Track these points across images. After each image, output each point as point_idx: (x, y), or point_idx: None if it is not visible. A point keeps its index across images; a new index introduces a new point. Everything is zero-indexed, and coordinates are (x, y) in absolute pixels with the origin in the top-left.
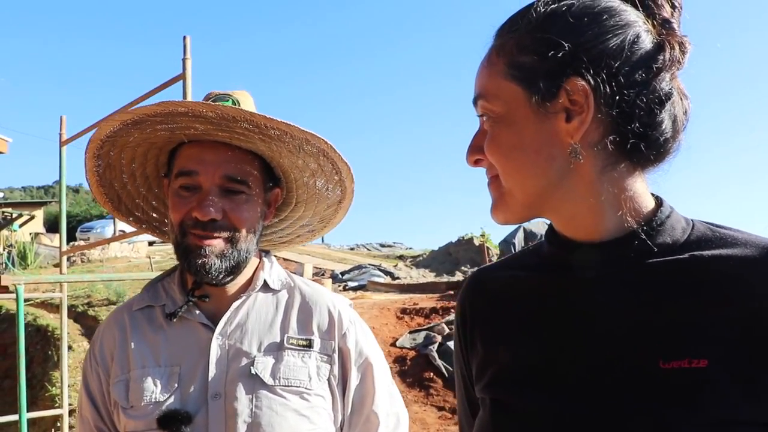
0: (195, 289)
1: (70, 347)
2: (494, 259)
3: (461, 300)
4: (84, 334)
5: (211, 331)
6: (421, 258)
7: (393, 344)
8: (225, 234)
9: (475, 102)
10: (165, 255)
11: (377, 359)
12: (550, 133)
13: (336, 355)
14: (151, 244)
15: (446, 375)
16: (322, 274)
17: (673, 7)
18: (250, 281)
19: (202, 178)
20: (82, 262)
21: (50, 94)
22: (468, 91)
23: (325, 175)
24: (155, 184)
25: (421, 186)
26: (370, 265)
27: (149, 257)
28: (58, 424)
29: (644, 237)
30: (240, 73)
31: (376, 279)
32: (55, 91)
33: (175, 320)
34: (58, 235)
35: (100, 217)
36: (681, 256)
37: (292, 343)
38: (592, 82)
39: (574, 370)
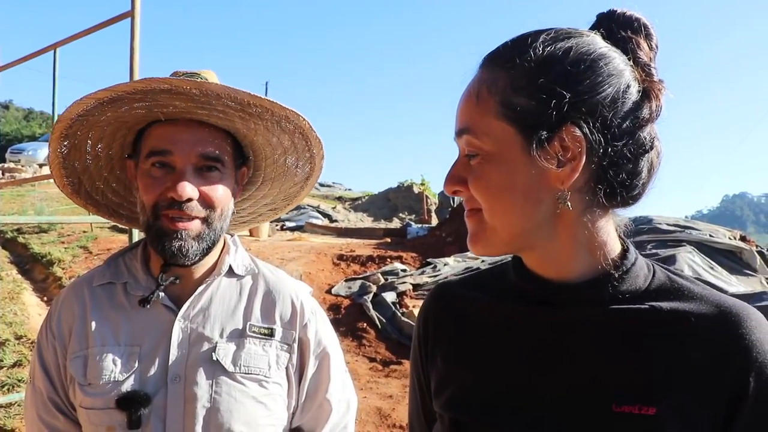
0: (164, 272)
1: None
2: (432, 208)
3: (425, 313)
4: (12, 262)
5: (173, 314)
6: (360, 201)
7: (328, 291)
8: (201, 214)
9: (459, 134)
10: None
11: (334, 348)
12: (540, 178)
13: (296, 345)
14: None
15: (379, 326)
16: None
17: (650, 48)
18: (215, 265)
19: (177, 157)
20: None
21: None
22: (414, 29)
23: (297, 152)
24: (118, 166)
25: (363, 126)
26: (308, 206)
27: None
28: None
29: (615, 282)
30: (193, 15)
31: (314, 221)
32: None
33: (148, 306)
34: None
35: (32, 138)
36: (642, 306)
37: (254, 331)
38: (587, 131)
39: (533, 404)
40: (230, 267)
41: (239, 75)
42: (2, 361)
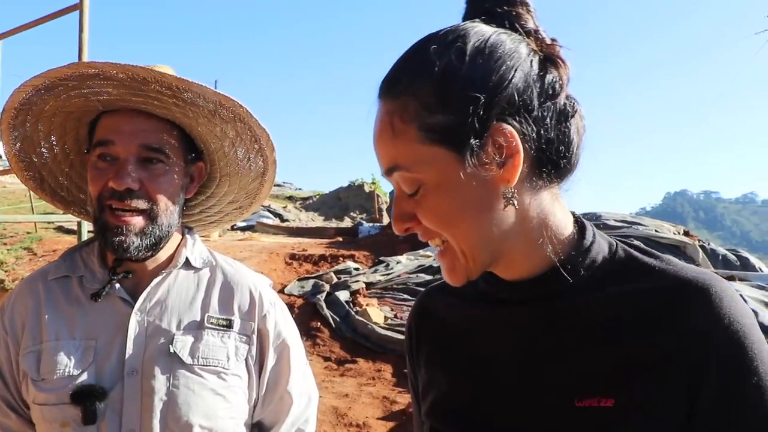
0: (117, 266)
1: None
2: (384, 206)
3: (409, 320)
4: None
5: (130, 307)
6: (311, 201)
7: (281, 291)
8: (142, 206)
9: (389, 173)
10: None
11: (294, 340)
12: (486, 186)
13: (255, 336)
14: None
15: (333, 325)
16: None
17: (529, 12)
18: (171, 258)
19: (119, 147)
20: None
21: None
22: (362, 28)
23: (245, 143)
24: (77, 162)
25: (312, 125)
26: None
27: None
28: None
29: (574, 270)
30: (144, 10)
31: (265, 220)
32: None
33: (99, 300)
34: None
35: None
36: (602, 292)
37: (212, 323)
38: (514, 123)
39: (499, 406)
40: (187, 259)
41: (189, 71)
42: None
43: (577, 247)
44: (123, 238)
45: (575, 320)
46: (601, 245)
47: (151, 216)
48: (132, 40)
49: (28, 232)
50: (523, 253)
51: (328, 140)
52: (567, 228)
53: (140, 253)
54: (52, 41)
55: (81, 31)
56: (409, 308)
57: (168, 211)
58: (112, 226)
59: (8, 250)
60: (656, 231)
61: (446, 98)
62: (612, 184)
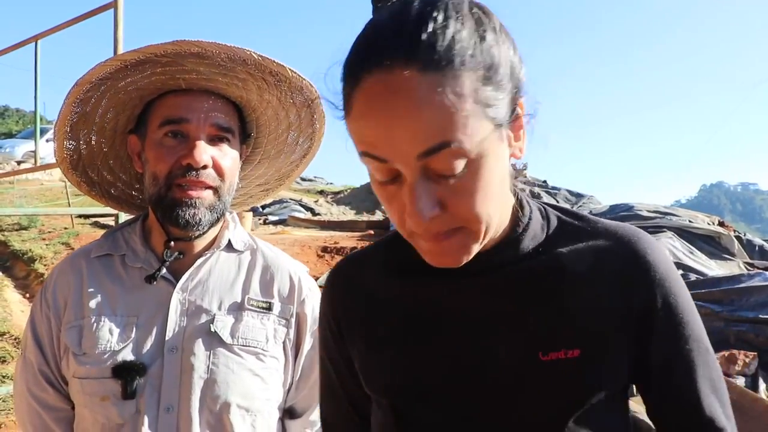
0: (168, 248)
1: None
2: None
3: (330, 301)
4: None
5: (172, 286)
6: (342, 195)
7: None
8: (214, 183)
9: (432, 152)
10: None
11: None
12: (506, 157)
13: (293, 320)
14: None
15: None
16: (241, 209)
17: None
18: (214, 240)
19: (192, 126)
20: None
21: None
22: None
23: (301, 128)
24: (118, 141)
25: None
26: (291, 199)
27: (63, 181)
28: None
29: (520, 239)
30: (178, 4)
31: (297, 214)
32: None
33: (155, 282)
34: None
35: (8, 135)
36: (547, 256)
37: (252, 305)
38: (522, 98)
39: (465, 372)
40: (229, 241)
41: None
42: None
43: (521, 217)
44: (194, 211)
45: (528, 282)
46: (537, 215)
47: (219, 192)
48: (166, 36)
49: (65, 228)
50: (499, 225)
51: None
52: (512, 199)
53: (207, 228)
54: (86, 41)
55: (116, 28)
56: None
57: (231, 189)
58: (182, 201)
59: (47, 245)
60: (690, 221)
61: (494, 74)
62: (645, 177)
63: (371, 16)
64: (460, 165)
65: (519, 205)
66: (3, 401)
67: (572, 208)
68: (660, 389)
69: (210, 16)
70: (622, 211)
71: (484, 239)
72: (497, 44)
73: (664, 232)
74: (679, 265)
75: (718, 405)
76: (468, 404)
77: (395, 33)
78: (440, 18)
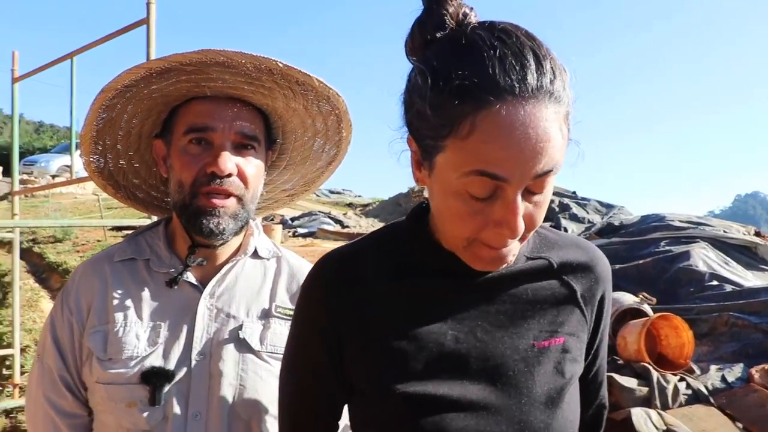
0: (191, 253)
1: None
2: None
3: (319, 296)
4: (29, 271)
5: (198, 292)
6: (370, 207)
7: None
8: (238, 191)
9: (542, 175)
10: None
11: None
12: None
13: None
14: None
15: None
16: (272, 220)
17: None
18: (239, 247)
19: (217, 134)
20: (26, 197)
21: None
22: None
23: (327, 135)
24: (144, 145)
25: (371, 132)
26: (320, 212)
27: (96, 194)
28: (8, 363)
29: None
30: (207, 19)
31: (326, 227)
32: (4, 24)
33: (175, 287)
34: None
35: (43, 150)
36: (538, 262)
37: (279, 312)
38: None
39: (474, 361)
40: (255, 249)
41: None
42: (24, 366)
43: None
44: (218, 220)
45: (522, 281)
46: None
47: (242, 201)
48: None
49: (98, 240)
50: None
51: (386, 147)
52: None
53: (230, 237)
54: (119, 58)
55: (148, 44)
56: None
57: (255, 197)
58: (206, 209)
59: (81, 257)
60: (724, 231)
61: (571, 105)
62: (677, 187)
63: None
64: (549, 187)
65: None
66: None
67: (603, 218)
68: (589, 365)
69: (243, 31)
70: (654, 222)
71: (522, 246)
72: (571, 92)
73: (698, 242)
74: (714, 276)
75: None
76: (478, 390)
77: (522, 65)
78: (549, 59)
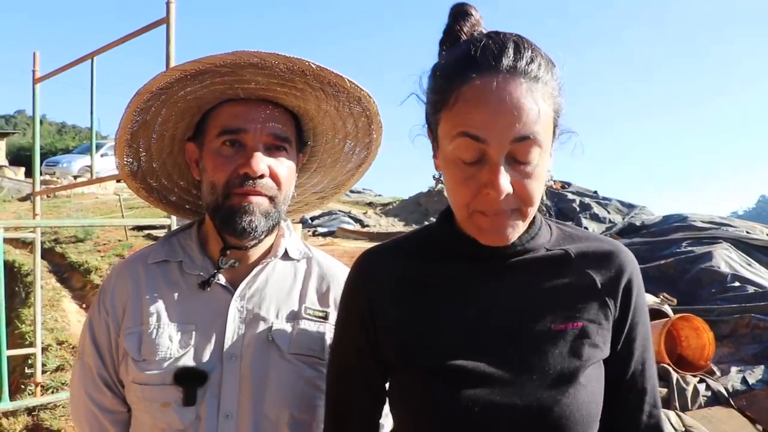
0: (224, 255)
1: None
2: None
3: (362, 281)
4: (51, 271)
5: (229, 294)
6: (390, 206)
7: None
8: (271, 192)
9: (519, 140)
10: (133, 193)
11: None
12: (548, 168)
13: None
14: (118, 181)
15: None
16: (292, 219)
17: None
18: (270, 248)
19: (249, 135)
20: (48, 197)
21: (12, 24)
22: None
23: (358, 137)
24: (177, 148)
25: (391, 130)
26: (339, 211)
27: (117, 194)
28: (30, 362)
29: (533, 238)
30: (226, 19)
31: (346, 226)
32: (17, 22)
33: (208, 288)
34: (21, 169)
35: (66, 150)
36: (555, 251)
37: (309, 314)
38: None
39: (491, 340)
40: (285, 250)
41: None
42: (45, 365)
43: (533, 225)
44: (251, 218)
45: (540, 270)
46: (545, 223)
47: (275, 201)
48: (218, 50)
49: (119, 240)
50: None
51: (407, 146)
52: None
53: (263, 235)
54: (139, 58)
55: (168, 43)
56: None
57: (287, 198)
58: (239, 207)
59: (102, 257)
60: (747, 232)
61: (560, 102)
62: (699, 188)
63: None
64: (535, 157)
65: (533, 216)
66: (62, 407)
67: (624, 218)
68: (620, 365)
69: (261, 30)
70: (676, 222)
71: (528, 220)
72: (558, 83)
73: (720, 243)
74: (736, 277)
75: (655, 384)
76: (496, 367)
77: (500, 49)
78: (530, 49)
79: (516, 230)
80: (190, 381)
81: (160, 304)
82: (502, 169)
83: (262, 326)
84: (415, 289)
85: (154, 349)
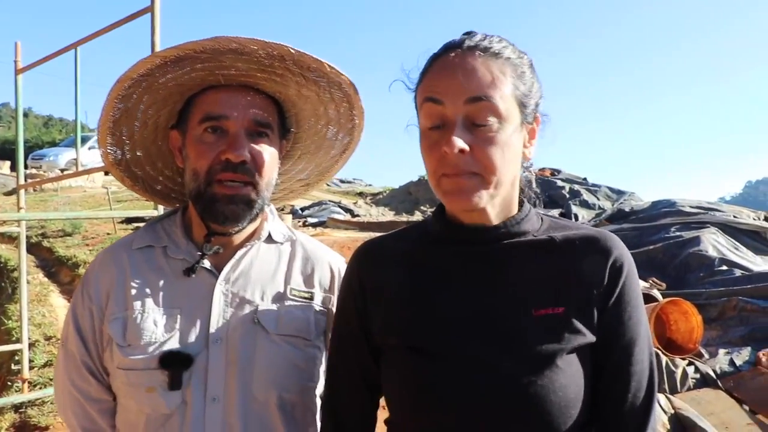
0: (208, 241)
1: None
2: None
3: (358, 269)
4: (38, 265)
5: (214, 277)
6: (381, 196)
7: None
8: (251, 179)
9: (474, 101)
10: (122, 185)
11: None
12: (519, 146)
13: (334, 310)
14: (106, 173)
15: None
16: (282, 209)
17: None
18: (254, 232)
19: (231, 122)
20: (35, 191)
21: (3, 18)
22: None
23: (340, 123)
24: (161, 136)
25: (381, 121)
26: (330, 201)
27: (105, 187)
28: (17, 358)
29: (519, 223)
30: (210, 6)
31: (336, 216)
32: (9, 16)
33: (193, 275)
34: (6, 162)
35: (52, 144)
36: (542, 237)
37: (294, 295)
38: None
39: (473, 320)
40: (269, 233)
41: None
42: (33, 361)
43: (520, 209)
44: (234, 207)
45: (525, 255)
46: (533, 212)
47: (257, 188)
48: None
49: (107, 234)
50: (502, 205)
51: (397, 136)
52: (517, 198)
53: (246, 223)
54: (124, 48)
55: (153, 33)
56: None
57: (269, 184)
58: (222, 196)
59: (90, 250)
60: (734, 217)
61: (529, 85)
62: (687, 174)
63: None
64: (492, 120)
65: (520, 203)
66: (51, 403)
67: (613, 205)
68: (604, 350)
69: (247, 22)
70: (664, 207)
71: (494, 191)
72: (528, 68)
73: (708, 227)
74: (724, 261)
75: (647, 374)
76: (475, 347)
77: (468, 36)
78: (496, 38)
79: (481, 198)
80: (175, 365)
81: (144, 289)
82: (458, 128)
83: (247, 309)
84: (406, 270)
85: (139, 333)
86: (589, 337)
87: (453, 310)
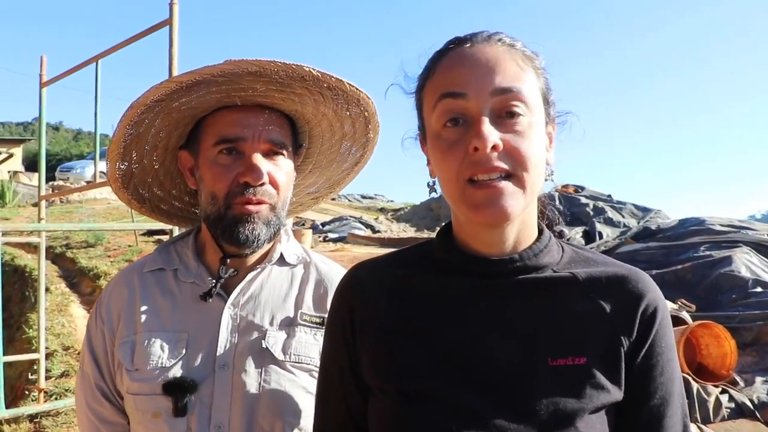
0: (224, 265)
1: (47, 289)
2: None
3: (347, 294)
4: (62, 276)
5: (223, 301)
6: (402, 212)
7: None
8: (271, 199)
9: (501, 92)
10: None
11: None
12: (545, 148)
13: None
14: None
15: None
16: (303, 224)
17: None
18: (266, 253)
19: (248, 143)
20: (61, 202)
21: (30, 31)
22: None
23: (355, 137)
24: (169, 157)
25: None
26: (350, 217)
27: None
28: (35, 367)
29: (537, 256)
30: (230, 20)
31: (357, 231)
32: (34, 29)
33: (209, 300)
34: (36, 174)
35: (80, 156)
36: (562, 273)
37: (305, 320)
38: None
39: (477, 368)
40: (281, 255)
41: None
42: (50, 371)
43: (539, 239)
44: (253, 226)
45: (542, 293)
46: (554, 242)
47: (275, 208)
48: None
49: (129, 246)
50: (521, 229)
51: (418, 152)
52: (536, 218)
53: (263, 244)
54: (143, 61)
55: (171, 45)
56: None
57: (285, 203)
58: (241, 217)
59: (111, 262)
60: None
61: (547, 82)
62: (714, 191)
63: None
64: (523, 112)
65: (540, 233)
66: (65, 414)
67: (639, 223)
68: (632, 410)
69: (263, 30)
70: (693, 226)
71: (525, 198)
72: (543, 64)
73: (740, 246)
74: (758, 282)
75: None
76: (475, 401)
77: (478, 32)
78: (506, 34)
79: (516, 202)
80: (179, 391)
81: (152, 312)
82: (486, 120)
83: (255, 334)
84: (401, 301)
85: (146, 358)
86: (615, 395)
87: (452, 351)
